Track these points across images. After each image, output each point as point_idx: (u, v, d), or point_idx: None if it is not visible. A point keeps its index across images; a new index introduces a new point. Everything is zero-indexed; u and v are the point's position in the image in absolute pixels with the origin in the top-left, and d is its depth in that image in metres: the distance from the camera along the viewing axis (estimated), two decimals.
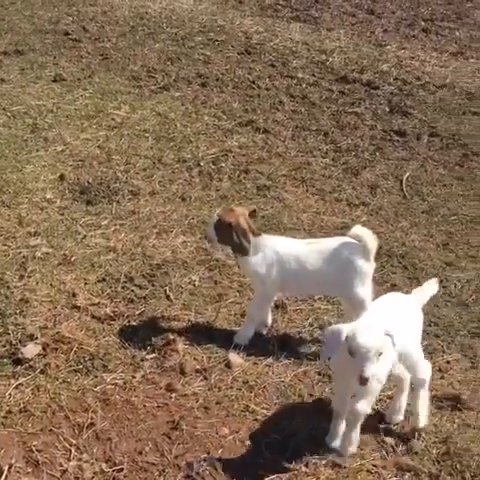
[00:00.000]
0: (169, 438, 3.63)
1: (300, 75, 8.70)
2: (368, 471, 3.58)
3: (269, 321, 4.53)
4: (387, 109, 8.03)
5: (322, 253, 4.26)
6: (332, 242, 4.34)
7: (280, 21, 10.46)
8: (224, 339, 4.39)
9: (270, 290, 4.32)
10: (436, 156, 7.15)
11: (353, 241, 4.23)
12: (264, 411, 3.88)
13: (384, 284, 5.15)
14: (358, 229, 4.23)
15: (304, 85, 8.46)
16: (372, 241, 4.22)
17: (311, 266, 4.23)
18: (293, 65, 8.96)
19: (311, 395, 4.04)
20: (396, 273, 5.30)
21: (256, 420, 3.82)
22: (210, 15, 10.35)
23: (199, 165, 6.52)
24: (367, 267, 4.24)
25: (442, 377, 4.28)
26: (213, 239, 4.31)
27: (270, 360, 4.28)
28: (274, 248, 4.26)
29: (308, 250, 4.29)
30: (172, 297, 4.76)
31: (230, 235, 4.19)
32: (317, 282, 4.31)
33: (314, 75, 8.75)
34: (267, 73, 8.70)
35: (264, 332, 4.52)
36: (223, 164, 6.58)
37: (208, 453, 3.56)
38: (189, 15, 10.30)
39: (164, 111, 7.52)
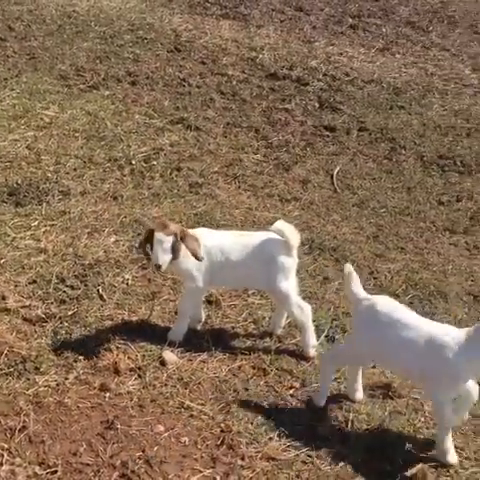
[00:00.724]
0: (103, 438, 3.60)
1: (230, 72, 8.74)
2: (303, 462, 3.62)
3: (202, 317, 4.54)
4: (317, 105, 8.14)
5: (246, 247, 4.28)
6: (256, 236, 4.37)
7: (209, 19, 10.48)
8: (158, 337, 4.38)
9: (199, 284, 4.31)
10: (365, 150, 7.27)
11: (276, 236, 4.27)
12: (199, 407, 3.89)
13: (317, 277, 5.22)
14: (280, 224, 4.26)
15: (234, 82, 8.50)
16: (294, 236, 4.25)
17: (235, 259, 4.25)
18: (223, 62, 8.99)
19: (246, 389, 4.06)
20: (328, 266, 5.37)
21: (191, 416, 3.82)
22: (139, 13, 10.31)
23: (131, 164, 6.48)
24: (289, 262, 4.28)
25: (374, 366, 4.35)
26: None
27: (205, 356, 4.28)
28: (201, 241, 4.25)
29: (234, 243, 4.30)
30: (105, 297, 4.71)
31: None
32: (242, 275, 4.33)
33: (244, 72, 8.81)
34: (197, 71, 8.71)
35: (198, 328, 4.53)
36: (155, 162, 6.56)
37: (143, 451, 3.55)
38: (117, 13, 10.23)
39: (94, 110, 7.44)
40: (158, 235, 4.07)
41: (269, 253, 4.25)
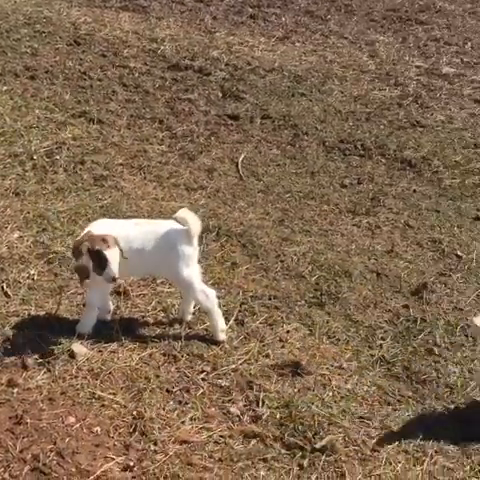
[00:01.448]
0: (13, 433, 3.55)
1: (132, 64, 8.69)
2: (216, 442, 3.67)
3: (111, 307, 4.53)
4: (220, 94, 8.19)
5: (148, 234, 4.29)
6: (157, 225, 4.39)
7: (108, 11, 10.38)
8: (67, 330, 4.32)
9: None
10: (269, 137, 7.38)
11: (177, 224, 4.30)
12: (111, 396, 3.88)
13: (225, 263, 5.27)
14: (183, 212, 4.29)
15: (137, 74, 8.46)
16: (196, 225, 4.29)
17: (138, 246, 4.25)
18: (124, 55, 8.94)
19: (158, 376, 4.08)
20: (236, 252, 5.43)
21: (103, 406, 3.81)
22: (35, 6, 10.10)
23: (32, 159, 6.36)
24: (190, 250, 4.31)
25: (283, 346, 4.45)
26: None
27: (115, 346, 4.27)
28: (104, 231, 4.22)
29: (136, 231, 4.30)
30: (10, 293, 4.63)
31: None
32: (144, 263, 4.32)
33: (146, 64, 8.78)
34: (98, 64, 8.62)
35: (108, 319, 4.51)
36: (57, 157, 6.46)
37: (55, 443, 3.52)
38: (12, 7, 9.99)
39: None
40: (109, 253, 4.01)
41: (170, 241, 4.27)
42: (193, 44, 9.42)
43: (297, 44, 9.94)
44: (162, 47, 9.17)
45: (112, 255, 4.02)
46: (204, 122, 7.51)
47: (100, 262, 4.03)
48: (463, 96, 8.51)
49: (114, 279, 4.08)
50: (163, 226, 4.35)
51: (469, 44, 10.32)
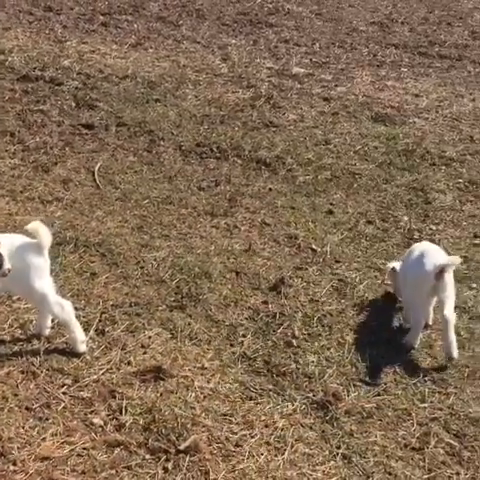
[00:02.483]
0: None
1: None
2: (79, 455, 3.65)
3: None
4: (73, 104, 8.08)
5: None
6: (6, 238, 4.30)
7: None
8: None
9: None
10: (125, 145, 7.36)
11: (27, 238, 4.24)
12: None
13: (84, 274, 5.23)
14: (33, 224, 4.24)
15: None
16: (46, 236, 4.24)
17: None
18: None
19: (16, 395, 4.00)
20: (95, 261, 5.39)
21: None
22: None
23: None
24: (41, 262, 4.26)
25: (145, 352, 4.46)
26: None
27: None
28: None
29: None
30: None
31: None
32: None
33: None
34: None
35: None
36: None
37: None
38: None
39: None
40: None
41: (20, 254, 4.19)
42: (43, 54, 9.23)
43: (150, 50, 9.94)
44: (10, 58, 8.93)
45: None
46: (58, 133, 7.40)
47: None
48: (313, 95, 8.79)
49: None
50: (13, 239, 4.26)
51: (317, 44, 10.66)
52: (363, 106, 8.58)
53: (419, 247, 4.98)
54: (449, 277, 4.60)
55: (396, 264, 5.15)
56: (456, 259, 4.72)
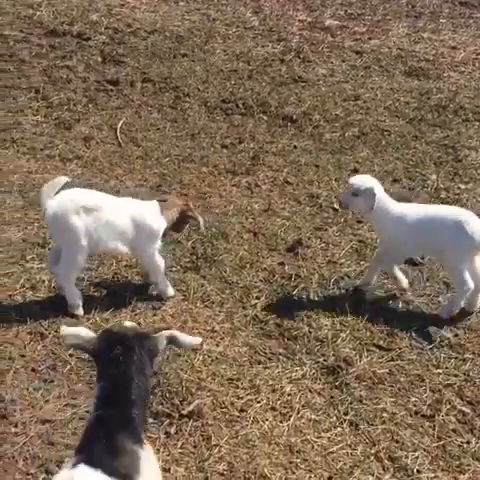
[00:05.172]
0: None
1: (7, 32, 8.37)
2: (81, 419, 3.61)
3: None
4: (100, 59, 7.99)
5: None
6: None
7: None
8: None
9: None
10: (150, 101, 7.25)
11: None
12: None
13: None
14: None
15: (12, 42, 8.15)
16: None
17: None
18: None
19: (23, 356, 3.99)
20: None
21: None
22: None
23: None
24: None
25: (155, 314, 4.41)
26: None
27: None
28: None
29: None
30: None
31: None
32: None
33: (22, 31, 8.46)
34: None
35: None
36: None
37: None
38: None
39: None
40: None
41: None
42: (71, 8, 9.12)
43: (181, 3, 9.75)
44: (38, 13, 8.84)
45: None
46: (83, 89, 7.32)
47: None
48: (345, 48, 8.53)
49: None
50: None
51: None
52: (397, 59, 8.31)
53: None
54: None
55: None
56: None
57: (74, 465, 2.35)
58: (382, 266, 4.73)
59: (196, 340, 2.78)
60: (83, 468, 2.32)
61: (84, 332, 2.60)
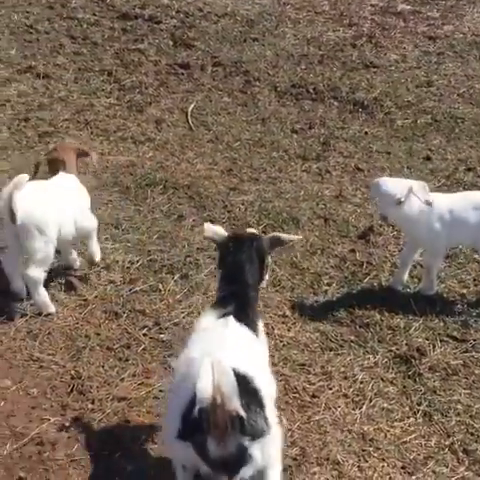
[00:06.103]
0: None
1: (80, 15, 8.50)
2: (155, 397, 3.66)
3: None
4: (171, 43, 8.04)
5: None
6: None
7: None
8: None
9: None
10: (220, 85, 7.27)
11: None
12: (49, 357, 3.86)
13: (171, 216, 5.22)
14: None
15: (85, 25, 8.27)
16: None
17: None
18: (72, 5, 8.73)
19: (98, 334, 4.06)
20: (183, 204, 5.38)
21: (41, 367, 3.80)
22: None
23: None
24: None
25: None
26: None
27: (55, 305, 4.22)
28: None
29: None
30: None
31: None
32: None
33: (95, 14, 8.57)
34: (45, 16, 8.42)
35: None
36: (1, 114, 6.34)
37: None
38: None
39: None
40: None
41: None
42: None
43: None
44: None
45: None
46: (154, 72, 7.38)
47: None
48: (417, 34, 8.38)
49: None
50: None
51: None
52: (471, 45, 8.13)
53: None
54: None
55: None
56: None
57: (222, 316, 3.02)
58: (433, 265, 4.57)
59: (296, 236, 3.58)
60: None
61: (221, 231, 3.30)
